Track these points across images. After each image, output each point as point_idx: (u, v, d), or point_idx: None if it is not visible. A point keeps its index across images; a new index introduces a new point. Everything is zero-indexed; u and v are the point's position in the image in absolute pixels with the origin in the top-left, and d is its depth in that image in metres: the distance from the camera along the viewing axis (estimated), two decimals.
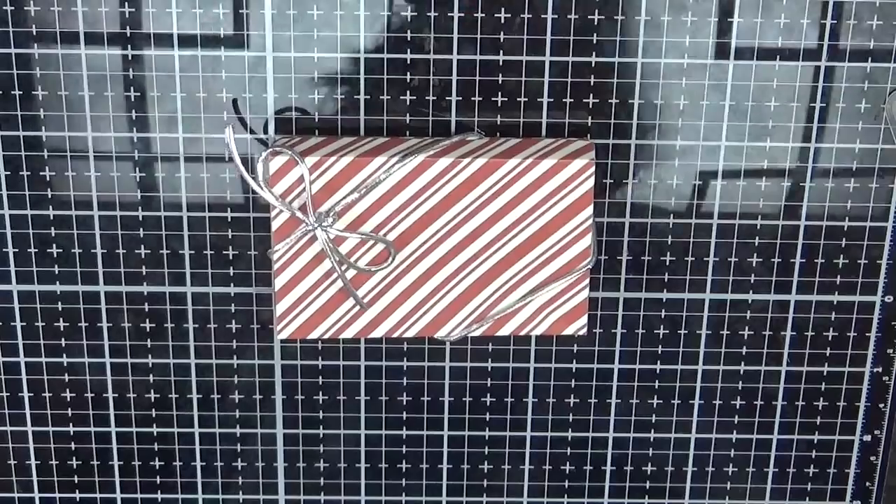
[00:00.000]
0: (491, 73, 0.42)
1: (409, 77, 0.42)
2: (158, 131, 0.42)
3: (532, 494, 0.48)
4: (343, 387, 0.46)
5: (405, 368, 0.46)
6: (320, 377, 0.46)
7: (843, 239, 0.44)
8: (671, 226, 0.44)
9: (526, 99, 0.42)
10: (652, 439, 0.47)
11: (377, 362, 0.46)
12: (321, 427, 0.47)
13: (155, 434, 0.46)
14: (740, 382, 0.46)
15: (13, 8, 0.40)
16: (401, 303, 0.42)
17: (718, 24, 0.41)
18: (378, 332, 0.43)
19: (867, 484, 0.48)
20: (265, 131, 0.42)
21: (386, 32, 0.41)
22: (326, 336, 0.43)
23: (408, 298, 0.42)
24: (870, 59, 0.42)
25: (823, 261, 0.44)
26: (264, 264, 0.44)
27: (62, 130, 0.42)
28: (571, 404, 0.47)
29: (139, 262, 0.44)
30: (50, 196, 0.43)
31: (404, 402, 0.46)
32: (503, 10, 0.41)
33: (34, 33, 0.41)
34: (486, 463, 0.47)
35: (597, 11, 0.41)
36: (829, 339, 0.45)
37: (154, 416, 0.46)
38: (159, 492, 0.47)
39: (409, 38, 0.41)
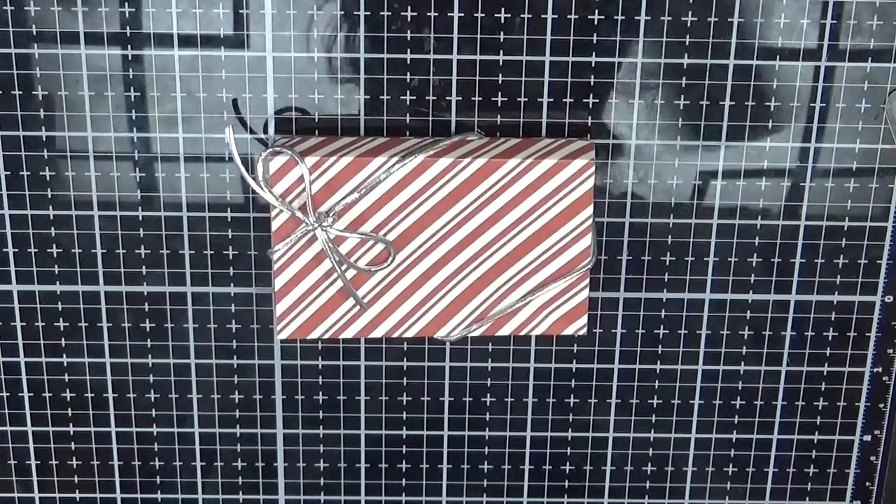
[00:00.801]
0: (491, 73, 0.42)
1: (409, 77, 0.42)
2: (158, 131, 0.42)
3: (532, 494, 0.48)
4: (343, 387, 0.46)
5: (405, 368, 0.46)
6: (320, 377, 0.46)
7: (843, 239, 0.44)
8: (671, 226, 0.44)
9: (526, 99, 0.42)
10: (652, 439, 0.47)
11: (377, 362, 0.46)
12: (321, 427, 0.47)
13: (155, 434, 0.46)
14: (740, 382, 0.46)
15: (13, 8, 0.40)
16: (401, 303, 0.42)
17: (718, 24, 0.41)
18: (378, 332, 0.43)
19: (867, 484, 0.48)
20: (265, 131, 0.42)
21: (386, 32, 0.41)
22: (326, 336, 0.43)
23: (408, 298, 0.42)
24: (870, 59, 0.42)
25: (823, 261, 0.44)
26: (264, 264, 0.44)
27: (62, 130, 0.42)
28: (571, 404, 0.47)
29: (139, 262, 0.44)
30: (50, 196, 0.43)
31: (404, 402, 0.46)
32: (503, 10, 0.41)
33: (34, 33, 0.41)
34: (486, 463, 0.47)
35: (597, 11, 0.41)
36: (829, 339, 0.45)
37: (154, 416, 0.46)
38: (159, 492, 0.47)
39: (409, 38, 0.41)
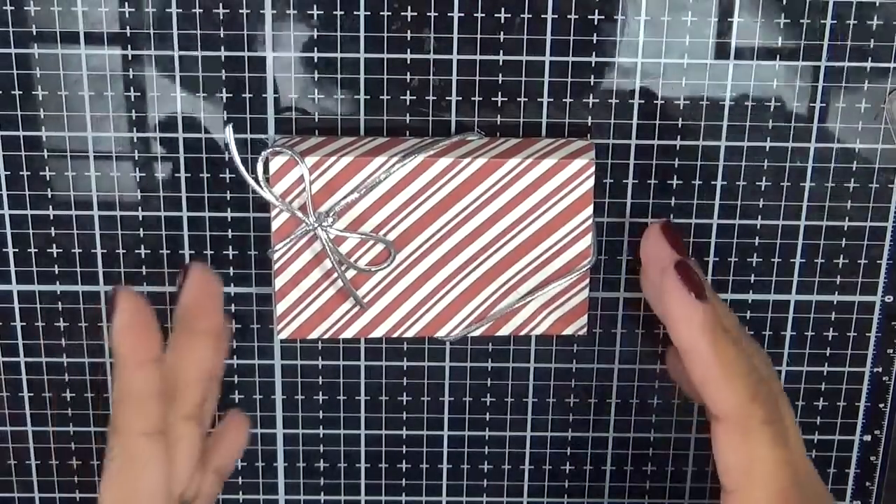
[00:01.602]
0: (491, 73, 0.42)
1: (409, 77, 0.42)
2: (158, 131, 0.42)
3: (532, 494, 0.48)
4: (343, 387, 0.46)
5: (405, 368, 0.46)
6: (320, 377, 0.46)
7: (843, 239, 0.44)
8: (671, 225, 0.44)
9: (526, 99, 0.42)
10: (652, 439, 0.47)
11: (377, 362, 0.46)
12: (321, 427, 0.47)
13: None
14: None
15: (13, 8, 0.40)
16: (401, 303, 0.42)
17: (718, 24, 0.41)
18: (378, 332, 0.43)
19: (867, 484, 0.48)
20: (265, 131, 0.42)
21: (386, 32, 0.41)
22: (326, 336, 0.43)
23: (408, 298, 0.42)
24: (870, 59, 0.42)
25: (823, 261, 0.44)
26: (264, 264, 0.44)
27: (62, 130, 0.42)
28: (571, 404, 0.47)
29: (139, 262, 0.44)
30: (50, 196, 0.43)
31: (404, 402, 0.46)
32: (503, 10, 0.41)
33: (34, 33, 0.41)
34: (486, 463, 0.47)
35: (597, 11, 0.41)
36: (829, 339, 0.45)
37: None
38: None
39: (409, 38, 0.41)
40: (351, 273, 0.42)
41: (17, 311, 0.44)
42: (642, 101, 0.42)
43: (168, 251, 0.44)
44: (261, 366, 0.46)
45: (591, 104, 0.42)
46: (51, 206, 0.43)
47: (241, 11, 0.41)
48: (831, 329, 0.45)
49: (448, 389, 0.46)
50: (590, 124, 0.42)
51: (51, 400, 0.46)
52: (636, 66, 0.42)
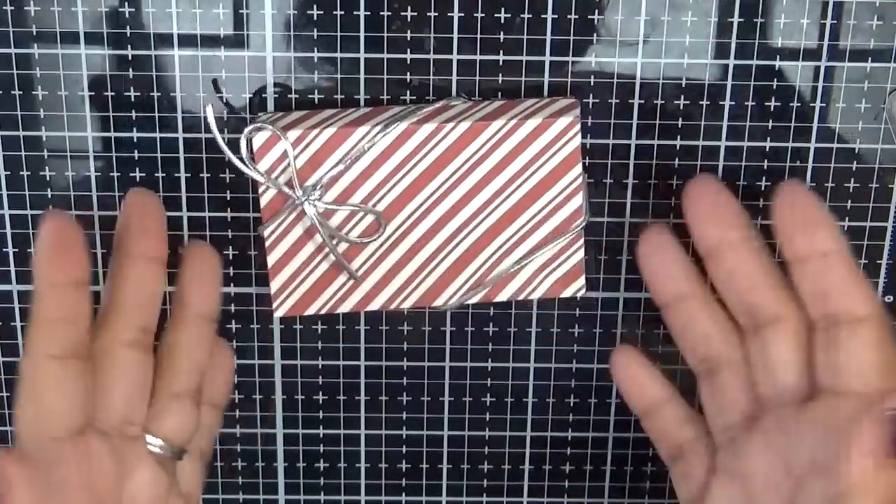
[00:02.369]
0: (491, 73, 0.42)
1: (409, 77, 0.42)
2: (159, 131, 0.42)
3: (532, 494, 0.48)
4: (343, 387, 0.46)
5: (405, 368, 0.46)
6: (320, 377, 0.46)
7: None
8: (671, 226, 0.44)
9: None
10: None
11: (377, 362, 0.46)
12: (321, 427, 0.47)
13: None
14: None
15: (13, 8, 0.40)
16: (395, 274, 0.42)
17: (718, 24, 0.41)
18: (374, 305, 0.42)
19: None
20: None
21: (386, 32, 0.41)
22: (323, 312, 0.42)
23: (402, 269, 0.42)
24: (870, 59, 0.42)
25: None
26: (264, 265, 0.44)
27: (62, 130, 0.42)
28: (571, 404, 0.47)
29: None
30: (50, 196, 0.43)
31: (404, 402, 0.46)
32: (503, 10, 0.41)
33: (34, 33, 0.41)
34: (486, 463, 0.47)
35: (597, 11, 0.41)
36: None
37: None
38: None
39: (409, 38, 0.41)
40: (343, 246, 0.41)
41: (17, 311, 0.44)
42: (642, 101, 0.42)
43: (168, 251, 0.44)
44: (261, 366, 0.46)
45: (590, 104, 0.42)
46: (51, 206, 0.43)
47: (241, 11, 0.41)
48: None
49: (448, 389, 0.46)
50: (590, 124, 0.42)
51: None
52: (636, 66, 0.42)
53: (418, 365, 0.46)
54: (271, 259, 0.41)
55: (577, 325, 0.45)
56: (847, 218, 0.44)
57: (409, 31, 0.41)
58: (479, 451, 0.47)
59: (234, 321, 0.45)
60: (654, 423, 0.43)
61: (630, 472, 0.47)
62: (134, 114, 0.42)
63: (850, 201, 0.44)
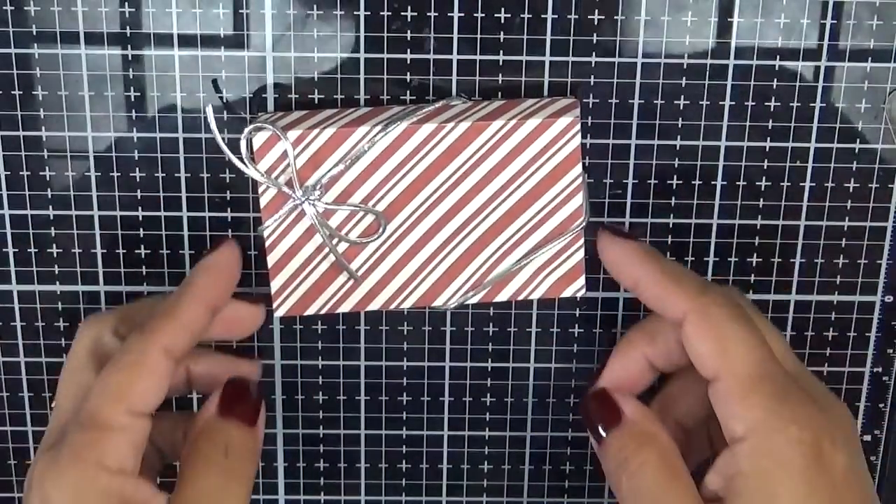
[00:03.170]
0: (491, 73, 0.42)
1: (409, 77, 0.42)
2: (158, 131, 0.42)
3: (532, 494, 0.48)
4: (343, 387, 0.46)
5: (405, 368, 0.46)
6: (320, 377, 0.46)
7: (843, 239, 0.44)
8: (671, 226, 0.44)
9: None
10: None
11: (377, 362, 0.46)
12: (321, 427, 0.47)
13: None
14: None
15: (13, 8, 0.40)
16: (395, 274, 0.42)
17: (718, 24, 0.41)
18: (374, 305, 0.42)
19: None
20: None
21: (386, 32, 0.41)
22: (323, 311, 0.42)
23: (402, 269, 0.42)
24: (870, 59, 0.42)
25: (823, 261, 0.44)
26: (264, 264, 0.44)
27: (62, 130, 0.42)
28: (571, 404, 0.47)
29: (139, 262, 0.44)
30: (50, 196, 0.43)
31: (404, 402, 0.46)
32: (503, 10, 0.41)
33: (34, 33, 0.41)
34: (486, 463, 0.47)
35: (597, 11, 0.41)
36: (829, 339, 0.45)
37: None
38: None
39: (409, 38, 0.41)
40: (343, 246, 0.41)
41: (17, 311, 0.44)
42: (642, 101, 0.42)
43: (168, 251, 0.44)
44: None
45: (590, 104, 0.42)
46: (51, 206, 0.43)
47: (241, 11, 0.41)
48: (831, 329, 0.45)
49: (448, 389, 0.46)
50: (590, 124, 0.42)
51: (51, 400, 0.46)
52: (636, 65, 0.42)
53: (418, 365, 0.46)
54: (271, 259, 0.41)
55: (577, 325, 0.45)
56: (847, 218, 0.44)
57: (409, 31, 0.41)
58: (479, 451, 0.47)
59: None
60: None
61: None
62: (134, 114, 0.42)
63: (850, 201, 0.44)
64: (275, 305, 0.42)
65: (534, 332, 0.45)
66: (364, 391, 0.46)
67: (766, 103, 0.42)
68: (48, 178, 0.43)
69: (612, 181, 0.43)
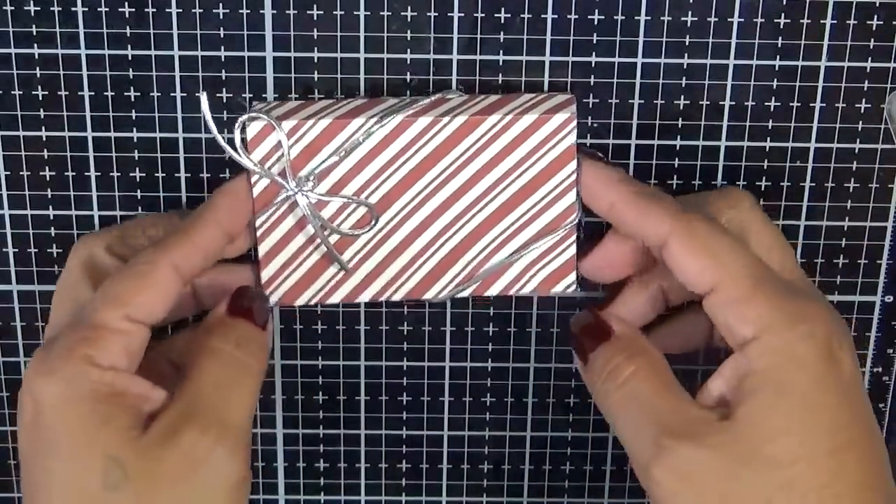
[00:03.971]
0: (491, 73, 0.42)
1: (409, 77, 0.42)
2: (158, 131, 0.42)
3: (532, 494, 0.48)
4: (343, 387, 0.46)
5: (405, 368, 0.46)
6: (320, 377, 0.46)
7: (843, 239, 0.44)
8: None
9: None
10: None
11: (377, 362, 0.46)
12: (321, 427, 0.47)
13: None
14: None
15: (13, 8, 0.40)
16: (386, 266, 0.42)
17: (718, 24, 0.41)
18: (365, 297, 0.42)
19: None
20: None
21: (386, 32, 0.41)
22: (314, 301, 0.42)
23: (393, 261, 0.42)
24: (870, 59, 0.42)
25: (823, 261, 0.44)
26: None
27: (62, 130, 0.42)
28: (571, 404, 0.47)
29: None
30: (50, 196, 0.43)
31: (404, 402, 0.46)
32: (503, 10, 0.41)
33: (34, 33, 0.41)
34: (486, 463, 0.47)
35: (597, 11, 0.41)
36: None
37: None
38: None
39: (408, 38, 0.41)
40: (334, 238, 0.41)
41: (17, 311, 0.44)
42: (642, 101, 0.42)
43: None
44: None
45: (590, 104, 0.42)
46: (51, 206, 0.43)
47: (240, 11, 0.41)
48: None
49: (448, 389, 0.46)
50: (590, 124, 0.42)
51: None
52: (636, 66, 0.42)
53: (418, 365, 0.46)
54: (263, 248, 0.41)
55: None
56: (847, 218, 0.44)
57: (409, 31, 0.41)
58: (479, 451, 0.47)
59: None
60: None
61: (629, 471, 0.47)
62: (134, 114, 0.42)
63: (850, 201, 0.44)
64: (266, 293, 0.42)
65: (534, 332, 0.45)
66: (364, 391, 0.46)
67: (766, 103, 0.42)
68: (48, 178, 0.43)
69: None
